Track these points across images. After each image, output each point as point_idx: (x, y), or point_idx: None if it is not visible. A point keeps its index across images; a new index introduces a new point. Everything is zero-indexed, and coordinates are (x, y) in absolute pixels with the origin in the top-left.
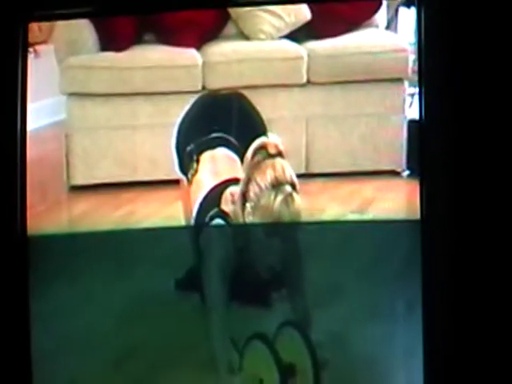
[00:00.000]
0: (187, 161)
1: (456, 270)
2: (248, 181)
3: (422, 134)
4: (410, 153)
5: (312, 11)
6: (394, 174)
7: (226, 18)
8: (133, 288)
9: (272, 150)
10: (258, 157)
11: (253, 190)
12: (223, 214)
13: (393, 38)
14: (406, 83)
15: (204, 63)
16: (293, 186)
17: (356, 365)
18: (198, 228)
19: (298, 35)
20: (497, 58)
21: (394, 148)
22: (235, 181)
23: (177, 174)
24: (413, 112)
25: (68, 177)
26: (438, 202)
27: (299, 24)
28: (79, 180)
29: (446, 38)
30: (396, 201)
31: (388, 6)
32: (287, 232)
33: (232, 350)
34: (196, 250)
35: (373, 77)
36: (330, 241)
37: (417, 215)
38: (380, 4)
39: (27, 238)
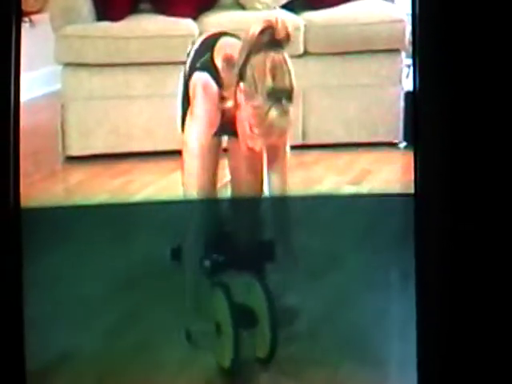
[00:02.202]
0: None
1: (449, 240)
2: (246, 63)
3: (416, 105)
4: (406, 124)
5: None
6: (391, 145)
7: None
8: (127, 257)
9: (279, 35)
10: (263, 38)
11: (248, 82)
12: (213, 68)
13: (390, 8)
14: (403, 54)
15: (200, 33)
16: (289, 94)
17: (349, 332)
18: (190, 71)
19: (295, 5)
20: (492, 28)
21: (391, 119)
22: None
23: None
24: (410, 83)
25: (63, 147)
26: (431, 174)
27: None
28: (74, 151)
29: (440, 9)
30: (393, 172)
31: None
32: (276, 202)
33: (199, 298)
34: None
35: (370, 47)
36: (323, 212)
37: (412, 187)
38: None
39: (20, 209)
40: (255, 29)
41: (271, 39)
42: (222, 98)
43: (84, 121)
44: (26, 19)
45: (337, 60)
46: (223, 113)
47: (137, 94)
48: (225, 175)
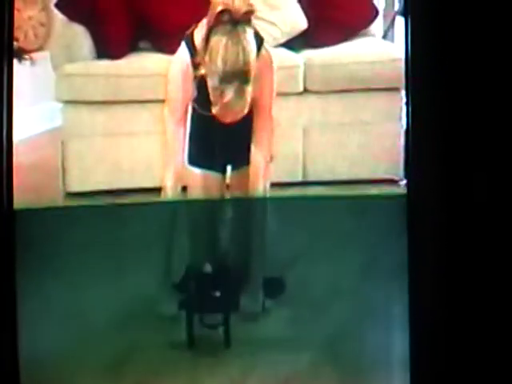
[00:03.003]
0: None
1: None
2: (207, 40)
3: (409, 140)
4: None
5: (308, 20)
6: (392, 182)
7: None
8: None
9: (238, 14)
10: (222, 18)
11: (208, 60)
12: (191, 37)
13: (389, 47)
14: (403, 92)
15: None
16: (244, 76)
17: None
18: None
19: (295, 44)
20: (485, 64)
21: (392, 157)
22: None
23: None
24: None
25: (64, 184)
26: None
27: (295, 33)
28: (75, 187)
29: (432, 48)
30: (393, 210)
31: (385, 16)
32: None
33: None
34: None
35: (369, 86)
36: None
37: None
38: (376, 13)
39: (14, 211)
40: (217, 8)
41: (230, 19)
42: (196, 66)
43: (84, 157)
44: (27, 56)
45: (337, 98)
46: (200, 82)
47: (137, 130)
48: None
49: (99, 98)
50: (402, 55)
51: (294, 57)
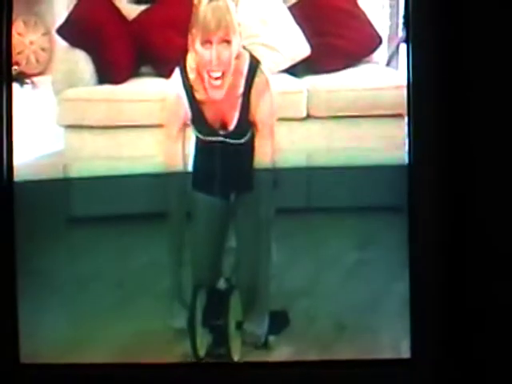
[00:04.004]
0: None
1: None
2: None
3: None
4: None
5: (311, 47)
6: (396, 209)
7: None
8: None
9: None
10: None
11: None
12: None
13: (393, 74)
14: (406, 119)
15: None
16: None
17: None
18: None
19: (298, 70)
20: (487, 95)
21: (395, 184)
22: None
23: None
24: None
25: (67, 208)
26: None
27: (298, 59)
28: (78, 211)
29: (435, 75)
30: (398, 237)
31: (389, 43)
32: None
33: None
34: None
35: (373, 112)
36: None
37: None
38: (380, 41)
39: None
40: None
41: None
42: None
43: (87, 181)
44: (28, 81)
45: (340, 123)
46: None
47: (140, 154)
48: None
49: (101, 122)
50: (405, 82)
51: (297, 83)
